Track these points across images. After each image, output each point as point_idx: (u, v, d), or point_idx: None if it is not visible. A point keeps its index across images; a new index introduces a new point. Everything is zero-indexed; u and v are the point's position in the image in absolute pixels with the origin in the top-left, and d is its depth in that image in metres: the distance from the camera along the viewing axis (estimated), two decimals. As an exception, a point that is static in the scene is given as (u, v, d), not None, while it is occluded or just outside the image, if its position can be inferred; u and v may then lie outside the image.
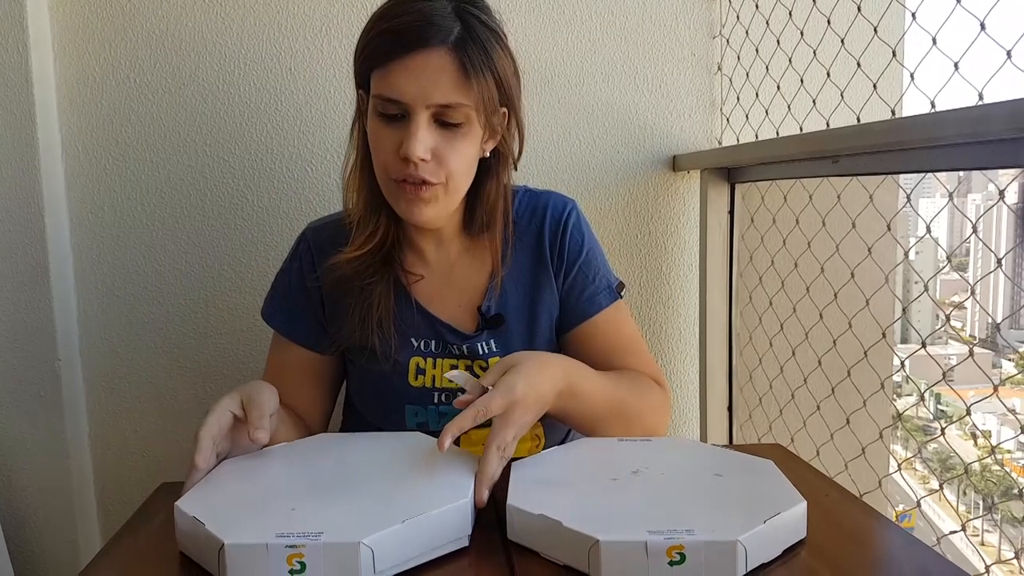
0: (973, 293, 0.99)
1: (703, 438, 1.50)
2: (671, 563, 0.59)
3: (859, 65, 1.06)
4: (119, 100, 1.35)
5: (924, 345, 1.00)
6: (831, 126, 1.12)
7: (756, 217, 1.39)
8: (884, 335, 1.06)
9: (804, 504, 0.67)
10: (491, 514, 0.71)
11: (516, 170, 0.99)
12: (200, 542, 0.63)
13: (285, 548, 0.58)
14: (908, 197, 0.99)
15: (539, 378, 0.77)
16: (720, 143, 1.48)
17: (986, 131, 0.72)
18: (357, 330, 0.95)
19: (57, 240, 1.32)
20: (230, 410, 0.76)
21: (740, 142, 1.42)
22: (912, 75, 0.95)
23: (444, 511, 0.64)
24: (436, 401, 0.98)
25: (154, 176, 1.37)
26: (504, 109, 0.90)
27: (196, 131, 1.37)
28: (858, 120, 1.05)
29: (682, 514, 0.64)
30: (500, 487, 0.72)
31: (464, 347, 0.97)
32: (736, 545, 0.59)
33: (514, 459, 0.77)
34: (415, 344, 0.98)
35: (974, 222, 0.90)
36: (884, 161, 0.95)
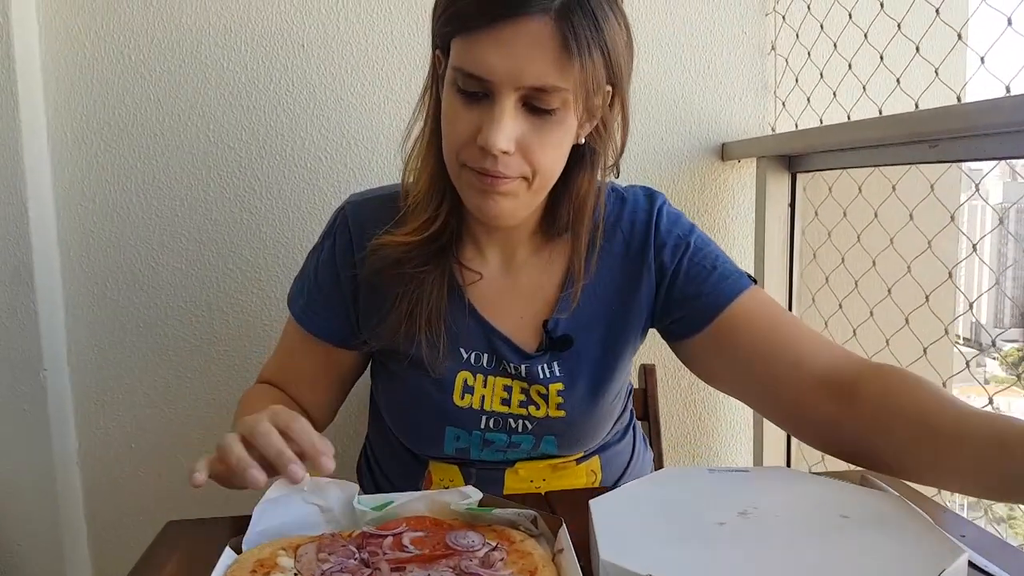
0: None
1: (757, 454, 1.37)
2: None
3: (959, 36, 0.94)
4: (111, 79, 1.24)
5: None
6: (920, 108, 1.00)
7: (821, 210, 1.26)
8: (993, 341, 0.93)
9: (966, 556, 0.54)
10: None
11: (617, 175, 0.82)
12: None
13: None
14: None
15: None
16: (774, 129, 1.36)
17: None
18: (402, 326, 0.80)
19: (42, 235, 1.22)
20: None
21: (798, 128, 1.30)
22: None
23: None
24: (483, 426, 0.84)
25: (150, 164, 1.26)
26: (609, 88, 0.74)
27: (197, 114, 1.26)
28: (958, 99, 0.92)
29: (817, 571, 0.52)
30: (580, 530, 0.60)
31: (523, 367, 0.83)
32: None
33: (581, 489, 0.64)
34: (464, 355, 0.83)
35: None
36: (1002, 144, 0.82)
